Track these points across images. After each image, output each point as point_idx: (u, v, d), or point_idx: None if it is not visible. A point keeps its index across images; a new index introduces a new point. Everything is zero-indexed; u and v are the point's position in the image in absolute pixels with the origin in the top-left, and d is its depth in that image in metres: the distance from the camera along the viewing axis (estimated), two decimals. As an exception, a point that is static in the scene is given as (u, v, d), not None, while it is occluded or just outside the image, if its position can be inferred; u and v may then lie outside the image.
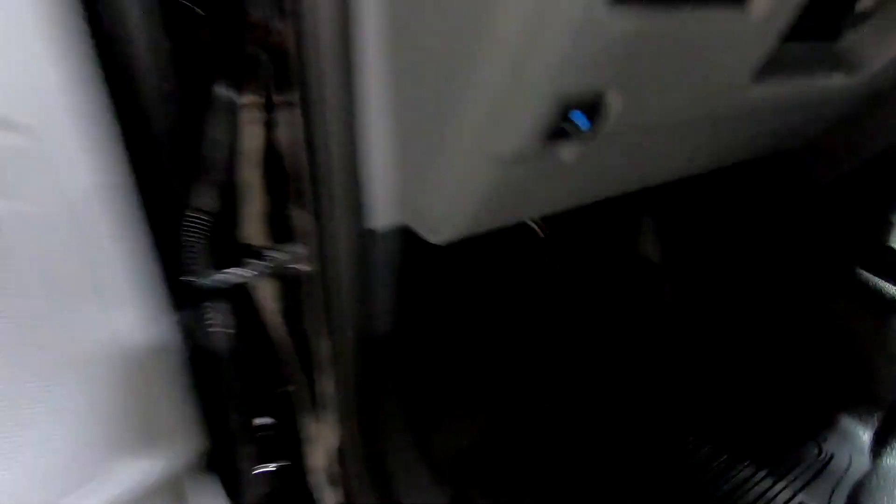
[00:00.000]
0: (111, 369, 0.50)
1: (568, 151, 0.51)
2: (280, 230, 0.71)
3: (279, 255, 0.70)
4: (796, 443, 1.15)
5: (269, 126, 0.63)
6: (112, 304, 0.50)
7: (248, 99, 0.62)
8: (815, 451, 1.14)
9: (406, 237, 0.72)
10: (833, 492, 1.06)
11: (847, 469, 1.11)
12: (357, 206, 0.66)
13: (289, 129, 0.62)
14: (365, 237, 0.69)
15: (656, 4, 0.43)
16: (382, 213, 0.68)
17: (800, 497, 1.04)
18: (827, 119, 0.99)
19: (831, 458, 1.13)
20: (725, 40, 0.51)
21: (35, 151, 0.31)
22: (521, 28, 0.41)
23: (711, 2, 0.46)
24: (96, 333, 0.49)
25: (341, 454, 0.85)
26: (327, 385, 0.81)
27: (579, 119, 0.48)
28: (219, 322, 0.67)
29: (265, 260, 0.71)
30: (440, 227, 0.64)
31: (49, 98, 0.31)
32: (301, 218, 0.69)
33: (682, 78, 0.51)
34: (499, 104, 0.47)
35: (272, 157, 0.66)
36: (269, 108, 0.63)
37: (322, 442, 0.86)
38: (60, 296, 0.44)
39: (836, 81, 0.78)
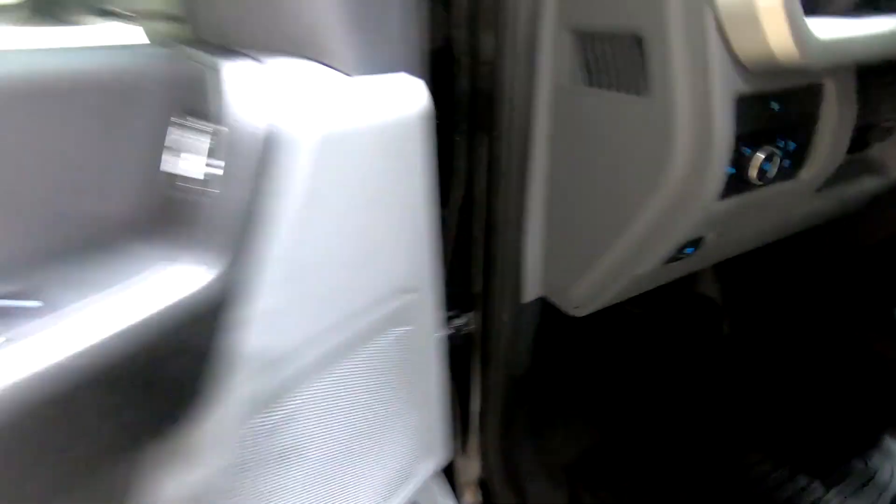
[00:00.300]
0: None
1: (678, 267, 0.78)
2: (458, 302, 1.00)
3: (459, 319, 1.00)
4: (845, 459, 1.31)
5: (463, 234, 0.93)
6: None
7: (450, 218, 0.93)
8: (862, 466, 1.31)
9: (543, 306, 1.00)
10: (876, 501, 1.27)
11: (889, 482, 1.30)
12: (516, 287, 0.94)
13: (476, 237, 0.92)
14: (518, 307, 0.97)
15: (744, 189, 0.70)
16: (531, 291, 0.96)
17: None
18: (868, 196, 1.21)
19: (875, 472, 1.29)
20: (791, 192, 0.77)
21: (417, 299, 0.59)
22: (659, 212, 0.69)
23: (776, 182, 0.72)
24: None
25: (484, 463, 1.13)
26: (476, 408, 1.09)
27: (688, 249, 0.75)
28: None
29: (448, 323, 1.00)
30: (579, 305, 0.91)
31: (426, 268, 0.58)
32: (475, 291, 0.97)
33: (761, 215, 0.77)
34: (636, 249, 0.74)
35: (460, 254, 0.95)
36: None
37: (468, 455, 1.14)
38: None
39: (869, 184, 1.02)
